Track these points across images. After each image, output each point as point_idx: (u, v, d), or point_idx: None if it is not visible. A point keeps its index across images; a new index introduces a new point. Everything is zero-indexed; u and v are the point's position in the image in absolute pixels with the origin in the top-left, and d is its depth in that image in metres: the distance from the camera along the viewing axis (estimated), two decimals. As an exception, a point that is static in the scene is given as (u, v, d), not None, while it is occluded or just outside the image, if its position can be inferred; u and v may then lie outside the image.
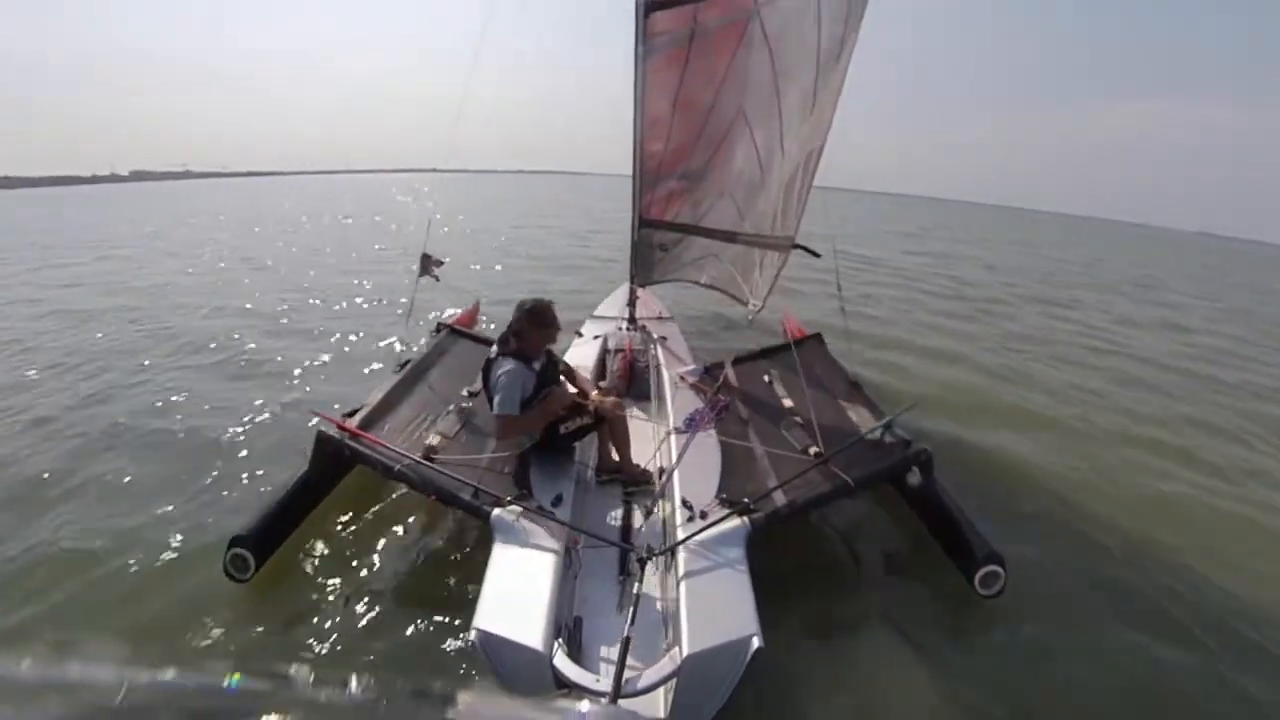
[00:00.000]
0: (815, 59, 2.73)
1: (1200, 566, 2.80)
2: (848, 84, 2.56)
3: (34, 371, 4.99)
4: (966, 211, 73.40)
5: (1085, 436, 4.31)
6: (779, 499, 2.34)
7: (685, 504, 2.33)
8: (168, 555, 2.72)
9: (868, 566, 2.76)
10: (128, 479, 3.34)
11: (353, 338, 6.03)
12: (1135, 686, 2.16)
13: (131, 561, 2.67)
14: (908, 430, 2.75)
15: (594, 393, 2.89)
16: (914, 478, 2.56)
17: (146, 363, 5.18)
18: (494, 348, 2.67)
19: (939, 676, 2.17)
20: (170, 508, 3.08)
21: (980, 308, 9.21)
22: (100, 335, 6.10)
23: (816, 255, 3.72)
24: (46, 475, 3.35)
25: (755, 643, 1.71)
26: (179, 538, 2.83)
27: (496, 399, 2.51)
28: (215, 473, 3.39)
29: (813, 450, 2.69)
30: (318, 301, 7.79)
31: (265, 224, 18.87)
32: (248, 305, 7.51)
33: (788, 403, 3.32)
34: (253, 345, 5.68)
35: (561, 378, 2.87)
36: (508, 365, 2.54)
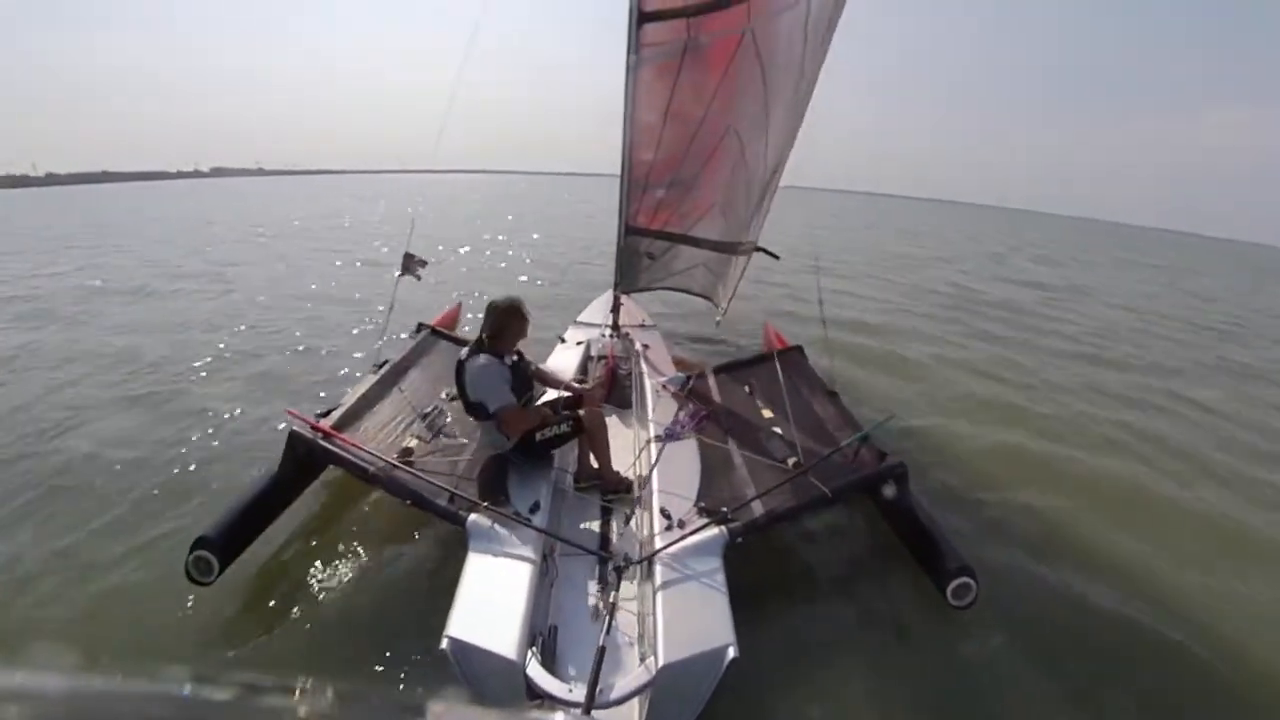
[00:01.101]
0: (799, 72, 2.80)
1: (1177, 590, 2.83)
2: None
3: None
4: (1041, 223, 65.14)
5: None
6: (757, 509, 2.35)
7: (664, 513, 2.33)
8: (126, 557, 2.62)
9: (843, 577, 2.78)
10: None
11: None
12: (1100, 703, 2.20)
13: (87, 563, 2.57)
14: (887, 443, 2.79)
15: (570, 392, 2.90)
16: (889, 490, 2.60)
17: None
18: (464, 350, 2.66)
19: (909, 688, 2.19)
20: (129, 506, 2.97)
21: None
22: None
23: (776, 257, 3.79)
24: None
25: (731, 652, 1.71)
26: (139, 539, 2.73)
27: (489, 397, 2.50)
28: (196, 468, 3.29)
29: (791, 461, 2.71)
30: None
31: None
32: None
33: (767, 413, 3.34)
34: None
35: (534, 381, 2.86)
36: (480, 361, 2.53)
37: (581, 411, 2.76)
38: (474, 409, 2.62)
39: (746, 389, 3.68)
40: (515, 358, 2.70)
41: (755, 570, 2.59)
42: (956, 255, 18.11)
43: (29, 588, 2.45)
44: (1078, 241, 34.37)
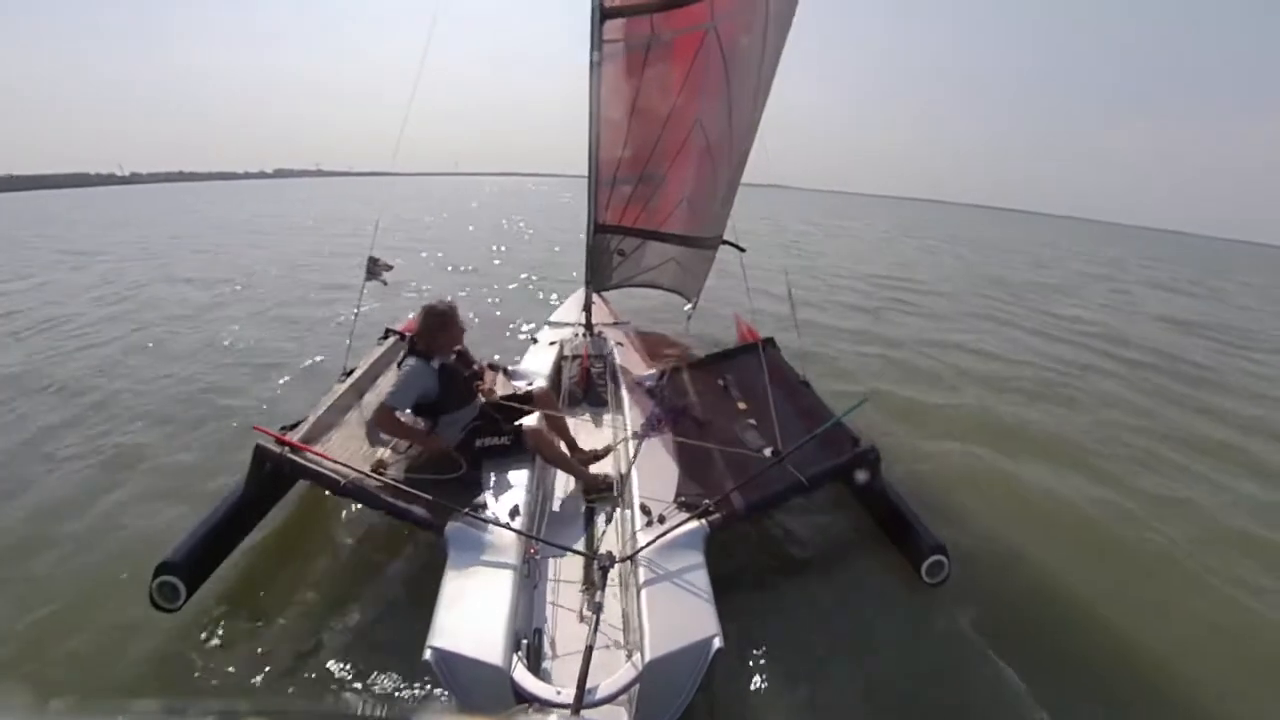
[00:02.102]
0: (759, 67, 2.85)
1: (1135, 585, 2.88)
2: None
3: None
4: (1118, 236, 56.99)
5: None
6: (736, 500, 2.38)
7: (644, 509, 2.34)
8: (86, 585, 2.49)
9: (822, 561, 2.85)
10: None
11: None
12: (1064, 672, 2.31)
13: (46, 594, 2.43)
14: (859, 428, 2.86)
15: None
16: (862, 475, 2.67)
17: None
18: (400, 353, 2.71)
19: (889, 664, 2.27)
20: (90, 526, 2.82)
21: None
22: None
23: (742, 250, 3.85)
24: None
25: (716, 644, 1.73)
26: (101, 564, 2.59)
27: (391, 391, 2.57)
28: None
29: (768, 451, 2.76)
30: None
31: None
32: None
33: (742, 405, 3.39)
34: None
35: (475, 386, 2.84)
36: (409, 362, 2.60)
37: (524, 425, 2.74)
38: (415, 411, 2.66)
39: (721, 382, 3.71)
40: (450, 360, 2.70)
41: (737, 560, 2.64)
42: (1067, 282, 13.94)
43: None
44: (1168, 257, 29.68)
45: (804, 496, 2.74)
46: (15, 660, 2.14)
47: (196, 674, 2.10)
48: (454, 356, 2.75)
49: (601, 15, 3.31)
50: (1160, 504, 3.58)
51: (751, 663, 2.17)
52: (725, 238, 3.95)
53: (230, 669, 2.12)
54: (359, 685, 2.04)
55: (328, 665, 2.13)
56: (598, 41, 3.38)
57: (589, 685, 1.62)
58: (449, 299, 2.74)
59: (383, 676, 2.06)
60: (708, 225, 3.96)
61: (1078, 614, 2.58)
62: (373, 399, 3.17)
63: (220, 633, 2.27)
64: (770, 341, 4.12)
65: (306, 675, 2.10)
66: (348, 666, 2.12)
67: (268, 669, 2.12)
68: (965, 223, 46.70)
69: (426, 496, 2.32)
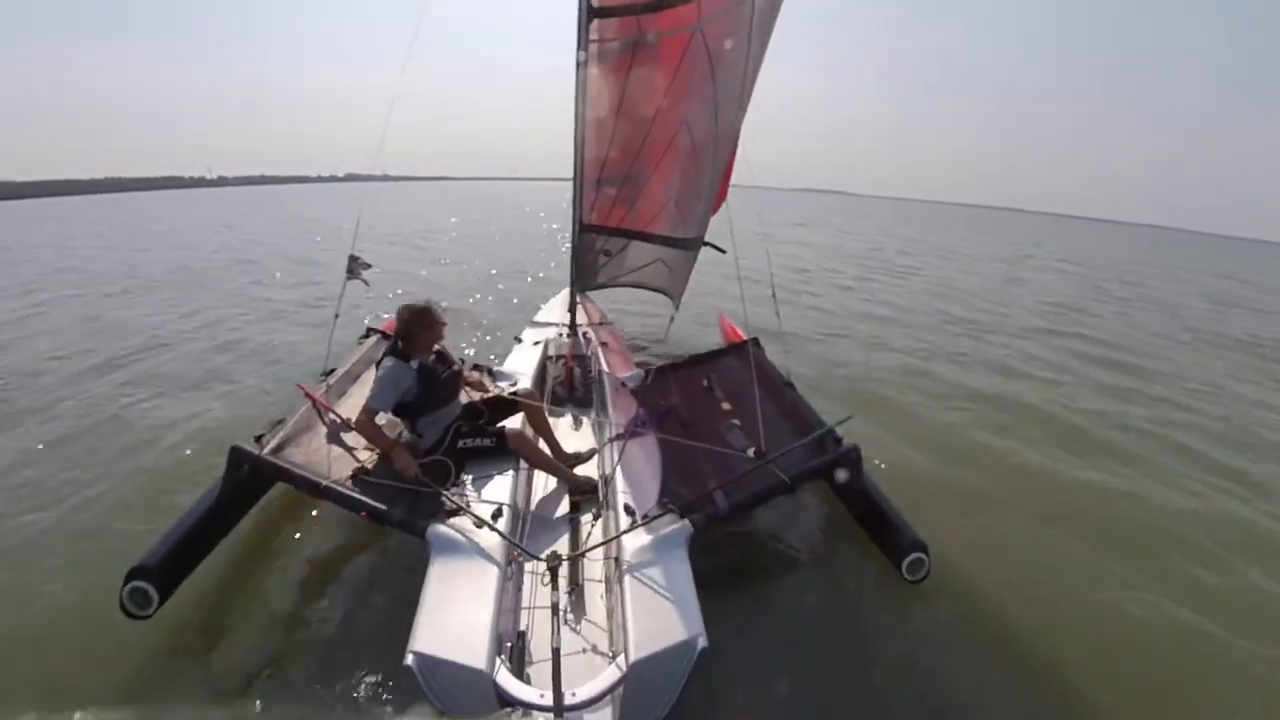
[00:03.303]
0: (744, 68, 2.88)
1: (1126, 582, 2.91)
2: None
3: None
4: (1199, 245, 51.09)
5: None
6: (720, 500, 2.39)
7: (628, 509, 2.34)
8: (51, 593, 2.41)
9: (803, 560, 2.89)
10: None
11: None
12: (1041, 664, 2.37)
13: (16, 611, 2.35)
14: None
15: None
16: (843, 473, 2.71)
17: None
18: (380, 353, 2.67)
19: (870, 660, 2.31)
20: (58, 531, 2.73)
21: None
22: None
23: (722, 251, 3.88)
24: None
25: (700, 643, 1.73)
26: (65, 571, 2.51)
27: (371, 393, 2.53)
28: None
29: (751, 451, 2.78)
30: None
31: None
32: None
33: (726, 405, 3.40)
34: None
35: (456, 385, 2.83)
36: (386, 363, 2.57)
37: (506, 427, 2.74)
38: (395, 411, 2.63)
39: (705, 383, 3.73)
40: (429, 360, 2.67)
41: (719, 560, 2.65)
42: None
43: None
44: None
45: (786, 496, 2.78)
46: None
47: (169, 683, 2.05)
48: (433, 356, 2.72)
49: (589, 14, 3.30)
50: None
51: (736, 662, 2.19)
52: (706, 239, 3.96)
53: (204, 678, 2.08)
54: (338, 693, 2.00)
55: (305, 673, 2.09)
56: (584, 41, 3.38)
57: (574, 688, 1.62)
58: (425, 298, 2.71)
59: (362, 684, 2.03)
60: (692, 226, 3.98)
61: (1059, 612, 2.63)
62: (353, 400, 3.12)
63: (194, 640, 2.22)
64: (754, 342, 4.15)
65: (284, 683, 2.06)
66: (326, 674, 2.08)
67: (244, 677, 2.08)
68: (1065, 235, 41.39)
69: (407, 499, 2.29)
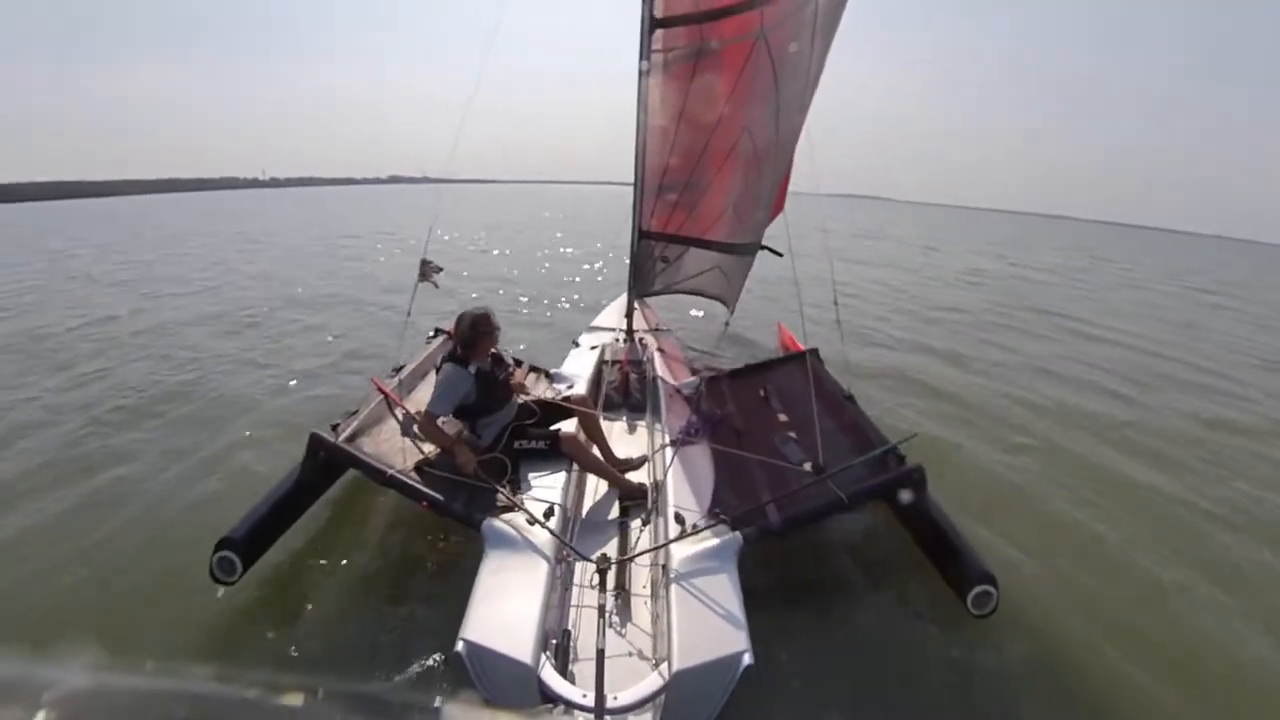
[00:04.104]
0: (807, 73, 2.82)
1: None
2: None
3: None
4: None
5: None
6: (772, 513, 2.33)
7: (678, 518, 2.32)
8: (155, 556, 2.69)
9: (859, 583, 2.74)
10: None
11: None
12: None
13: (117, 561, 2.64)
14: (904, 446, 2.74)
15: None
16: (906, 494, 2.56)
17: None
18: (439, 357, 2.77)
19: (926, 696, 2.15)
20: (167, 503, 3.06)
21: None
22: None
23: (779, 255, 3.77)
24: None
25: (746, 659, 1.69)
26: (169, 537, 2.80)
27: (432, 397, 2.63)
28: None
29: (807, 465, 2.69)
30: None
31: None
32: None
33: (783, 417, 3.31)
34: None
35: (510, 390, 2.91)
36: (446, 368, 2.65)
37: (560, 430, 2.79)
38: (455, 414, 2.72)
39: (761, 393, 3.65)
40: (487, 365, 2.75)
41: (770, 576, 2.57)
42: None
43: (56, 582, 2.53)
44: None
45: (843, 515, 2.66)
46: (88, 617, 2.34)
47: (246, 646, 2.24)
48: (490, 360, 2.81)
49: (651, 25, 3.35)
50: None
51: (780, 683, 2.10)
52: (764, 243, 3.90)
53: (275, 643, 2.25)
54: (393, 670, 2.10)
55: (365, 647, 2.22)
56: (646, 50, 3.42)
57: (616, 691, 1.62)
58: (483, 305, 2.80)
59: (415, 664, 2.12)
60: (750, 232, 3.93)
61: (1140, 666, 2.36)
62: (420, 395, 3.30)
63: (269, 608, 2.42)
64: (814, 353, 4.02)
65: (345, 654, 2.19)
66: (384, 650, 2.20)
67: (310, 646, 2.23)
68: (1141, 248, 37.77)
69: (466, 493, 2.39)
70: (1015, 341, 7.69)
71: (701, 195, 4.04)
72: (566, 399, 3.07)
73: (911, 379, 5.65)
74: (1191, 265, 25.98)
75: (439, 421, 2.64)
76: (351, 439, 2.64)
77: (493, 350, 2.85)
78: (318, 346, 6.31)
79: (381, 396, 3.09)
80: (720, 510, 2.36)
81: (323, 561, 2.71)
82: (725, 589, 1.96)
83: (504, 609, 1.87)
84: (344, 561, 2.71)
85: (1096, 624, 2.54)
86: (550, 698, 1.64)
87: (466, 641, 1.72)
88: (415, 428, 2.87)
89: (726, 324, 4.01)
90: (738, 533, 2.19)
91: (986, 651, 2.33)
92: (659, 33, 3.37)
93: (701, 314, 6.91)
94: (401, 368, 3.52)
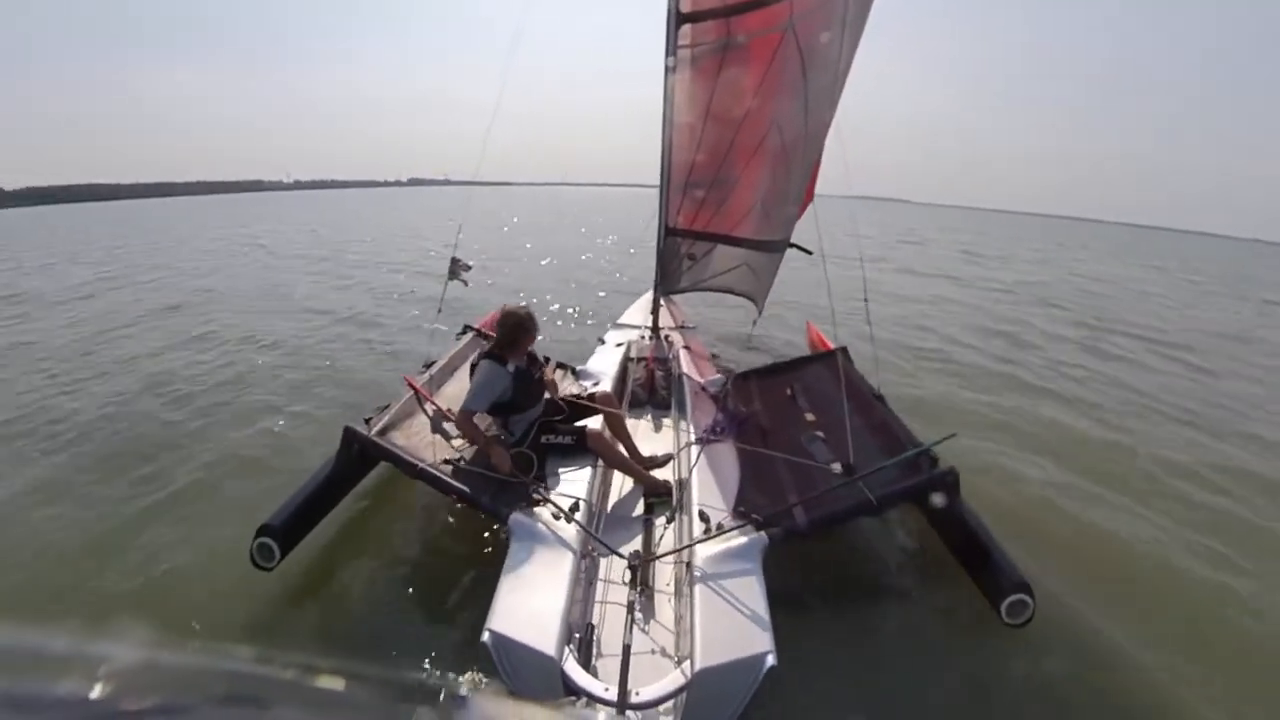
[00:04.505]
0: (837, 64, 2.75)
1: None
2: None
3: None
4: None
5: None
6: (799, 514, 2.30)
7: (702, 516, 2.31)
8: (200, 540, 2.83)
9: (889, 587, 2.68)
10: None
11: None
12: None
13: (165, 545, 2.79)
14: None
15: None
16: (939, 498, 2.49)
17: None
18: (475, 352, 2.81)
19: (954, 706, 2.10)
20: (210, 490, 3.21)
21: None
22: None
23: (809, 253, 3.69)
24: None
25: (769, 660, 1.67)
26: (213, 523, 2.94)
27: (469, 394, 2.66)
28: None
29: (835, 466, 2.64)
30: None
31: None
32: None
33: (810, 416, 3.26)
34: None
35: (543, 389, 2.95)
36: (485, 366, 2.68)
37: (586, 426, 2.80)
38: (489, 410, 2.76)
39: (788, 391, 3.60)
40: (524, 364, 2.78)
41: (795, 577, 2.54)
42: None
43: (114, 563, 2.68)
44: None
45: (871, 517, 2.60)
46: (142, 597, 2.49)
47: (284, 629, 2.34)
48: (526, 359, 2.84)
49: (677, 20, 3.32)
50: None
51: (804, 687, 2.08)
52: (793, 241, 3.83)
53: (312, 627, 2.34)
54: (420, 654, 2.17)
55: (395, 633, 2.30)
56: (673, 46, 3.40)
57: (638, 687, 1.63)
58: (525, 305, 2.82)
59: (442, 650, 2.19)
60: (779, 228, 3.87)
61: (1190, 689, 2.24)
62: (449, 391, 3.36)
63: (305, 594, 2.52)
64: (843, 351, 3.94)
65: (376, 640, 2.28)
66: (412, 637, 2.27)
67: (343, 631, 2.32)
68: (1193, 254, 35.02)
69: (494, 486, 2.43)
70: (1129, 375, 6.28)
71: (729, 191, 4.00)
72: (591, 396, 3.09)
73: (1022, 430, 4.54)
74: (1248, 273, 23.75)
75: (474, 419, 2.67)
76: (383, 432, 2.71)
77: (529, 350, 2.87)
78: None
79: (413, 391, 3.16)
80: (746, 509, 2.34)
81: (356, 550, 2.80)
82: (750, 589, 1.95)
83: (529, 601, 1.90)
84: (376, 551, 2.80)
85: (1143, 640, 2.43)
86: (573, 690, 1.66)
87: (492, 632, 1.75)
88: (448, 424, 2.93)
89: (754, 322, 3.97)
90: (763, 533, 2.17)
91: (1019, 662, 2.25)
92: (685, 28, 3.34)
93: (728, 312, 6.85)
94: (432, 363, 3.59)
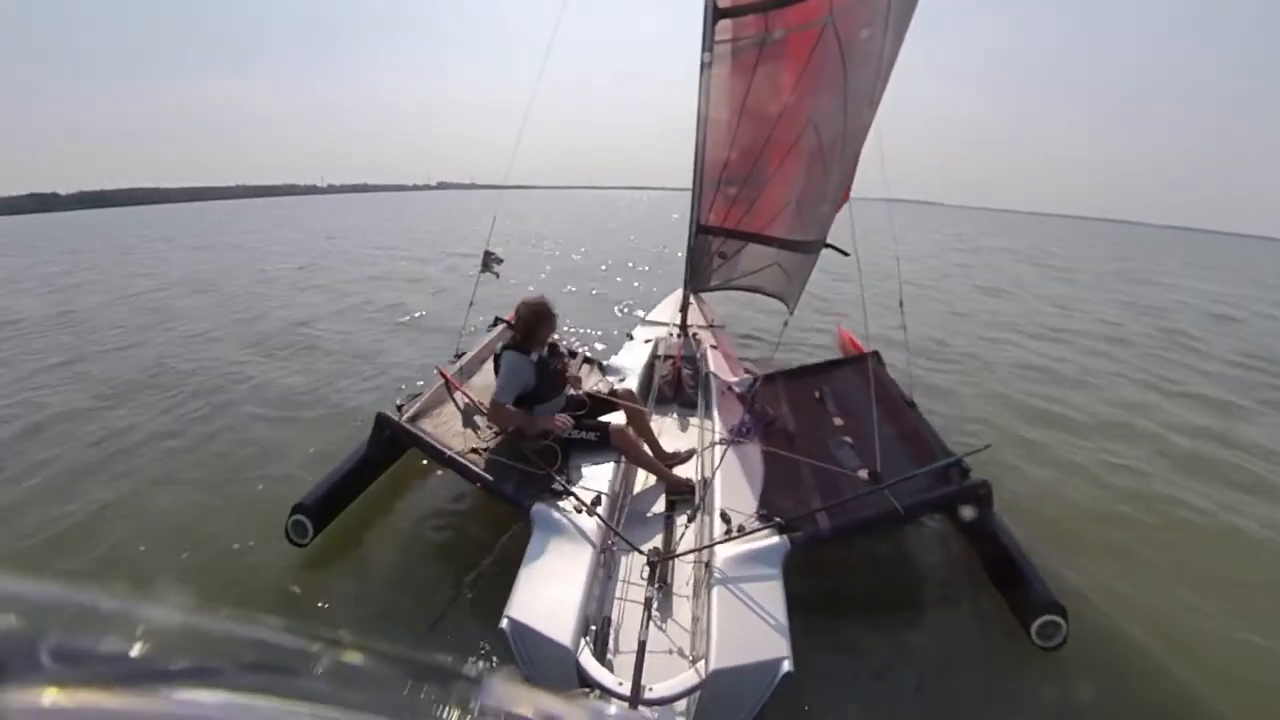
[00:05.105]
0: (879, 61, 2.67)
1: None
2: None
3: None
4: None
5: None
6: (822, 520, 2.26)
7: (724, 516, 2.30)
8: (241, 515, 2.97)
9: (914, 600, 2.61)
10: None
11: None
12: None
13: (210, 517, 2.93)
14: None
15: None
16: (969, 510, 2.41)
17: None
18: (499, 344, 2.84)
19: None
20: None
21: None
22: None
23: (845, 254, 3.61)
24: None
25: (785, 666, 1.65)
26: (250, 499, 3.07)
27: (497, 387, 2.70)
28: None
29: (862, 472, 2.58)
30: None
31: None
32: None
33: (838, 421, 3.20)
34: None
35: (564, 379, 2.97)
36: (509, 357, 2.71)
37: (609, 422, 2.81)
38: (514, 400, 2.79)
39: (817, 394, 3.54)
40: (545, 353, 2.82)
41: (818, 583, 2.49)
42: None
43: (165, 539, 2.84)
44: None
45: (898, 526, 2.54)
46: (176, 563, 2.64)
47: (312, 603, 2.43)
48: (547, 349, 2.88)
49: (714, 15, 3.29)
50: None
51: (820, 697, 2.04)
52: (829, 241, 3.75)
53: (339, 603, 2.43)
54: (441, 636, 2.24)
55: (417, 614, 2.36)
56: (709, 43, 3.37)
57: (651, 683, 1.63)
58: (540, 294, 2.86)
59: (462, 634, 2.24)
60: (814, 228, 3.79)
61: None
62: (479, 381, 3.43)
63: (335, 571, 2.61)
64: (875, 355, 3.85)
65: (399, 619, 2.35)
66: (433, 619, 2.32)
67: (368, 608, 2.40)
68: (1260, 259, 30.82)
69: (517, 476, 2.47)
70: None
71: (762, 189, 3.94)
72: (614, 393, 3.10)
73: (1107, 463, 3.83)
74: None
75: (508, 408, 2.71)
76: (414, 419, 2.78)
77: (549, 340, 2.91)
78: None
79: (443, 380, 3.23)
80: (769, 512, 2.31)
81: (383, 532, 2.89)
82: (769, 593, 1.93)
83: (548, 591, 1.92)
84: (402, 534, 2.88)
85: (1188, 670, 2.30)
86: (587, 682, 1.67)
87: (511, 620, 1.78)
88: (479, 415, 2.96)
89: (785, 323, 3.91)
90: (786, 537, 2.14)
91: (1049, 688, 2.15)
92: (721, 23, 3.31)
93: (759, 312, 6.77)
94: (463, 354, 3.67)
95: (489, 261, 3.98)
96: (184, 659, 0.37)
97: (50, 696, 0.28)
